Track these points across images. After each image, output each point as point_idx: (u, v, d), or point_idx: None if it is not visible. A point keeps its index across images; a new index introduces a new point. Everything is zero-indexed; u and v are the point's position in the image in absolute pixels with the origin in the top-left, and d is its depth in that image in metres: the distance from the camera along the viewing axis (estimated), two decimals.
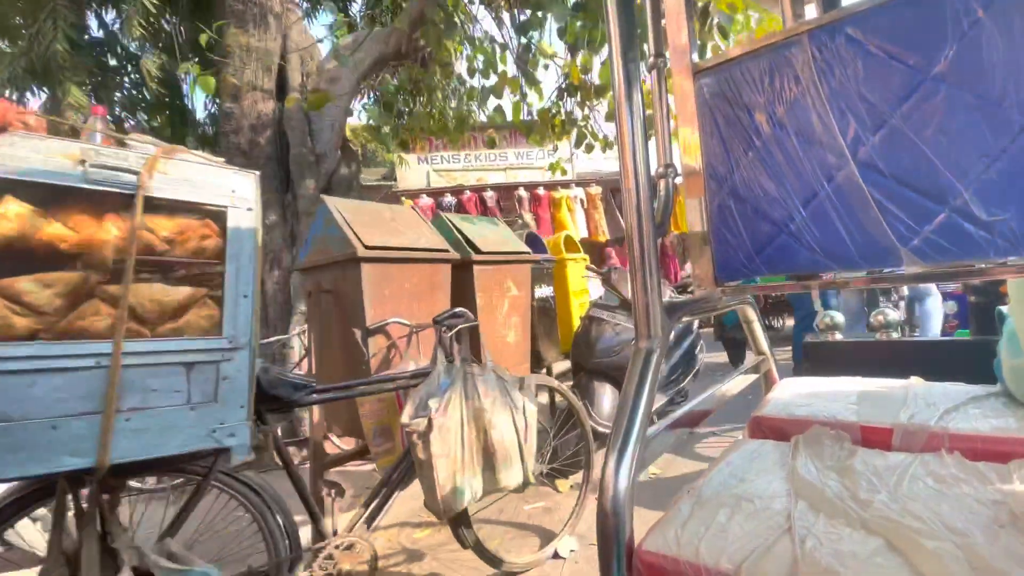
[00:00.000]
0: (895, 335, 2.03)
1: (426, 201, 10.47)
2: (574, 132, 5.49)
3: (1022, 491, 0.70)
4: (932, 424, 0.96)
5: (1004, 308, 1.17)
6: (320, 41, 5.23)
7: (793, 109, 0.82)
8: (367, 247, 2.13)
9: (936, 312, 4.07)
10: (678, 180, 1.00)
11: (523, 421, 1.80)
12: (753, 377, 1.37)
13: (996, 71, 0.65)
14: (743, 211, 0.90)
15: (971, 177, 0.67)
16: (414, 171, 12.34)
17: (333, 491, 1.79)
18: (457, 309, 1.95)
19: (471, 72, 4.95)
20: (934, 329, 3.96)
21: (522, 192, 11.08)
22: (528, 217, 10.63)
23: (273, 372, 1.49)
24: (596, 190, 11.57)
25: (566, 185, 11.35)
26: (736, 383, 1.27)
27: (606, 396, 3.07)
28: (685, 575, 0.65)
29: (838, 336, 2.21)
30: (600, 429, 2.81)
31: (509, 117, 5.14)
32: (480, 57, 4.78)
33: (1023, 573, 0.55)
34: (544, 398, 3.71)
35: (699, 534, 0.70)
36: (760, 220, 0.88)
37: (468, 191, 10.86)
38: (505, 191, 11.25)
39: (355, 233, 2.16)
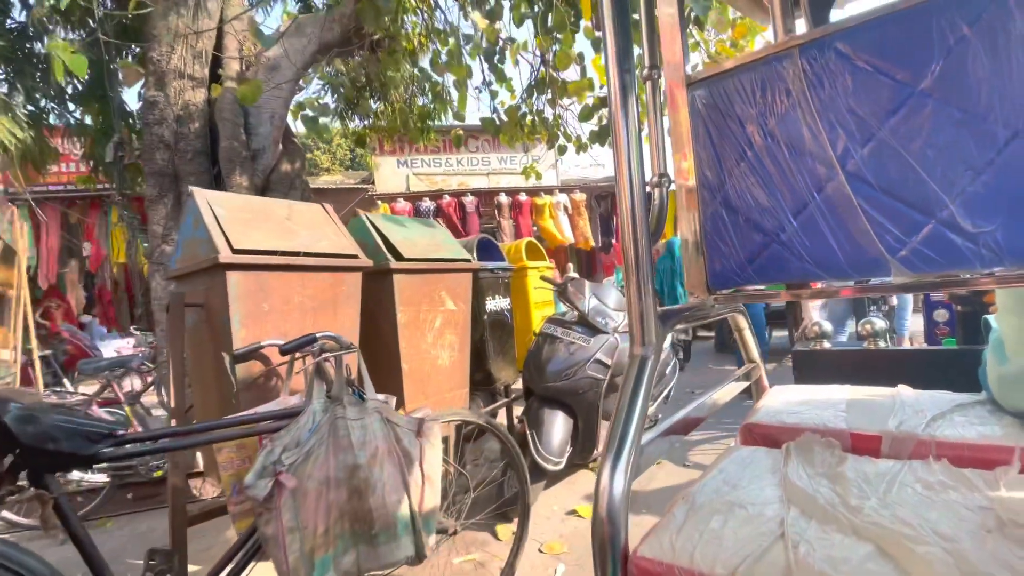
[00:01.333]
0: (883, 344, 2.06)
1: (403, 206, 10.30)
2: (558, 134, 5.22)
3: (1008, 497, 0.71)
4: (920, 431, 0.97)
5: (990, 317, 1.19)
6: (261, 23, 4.87)
7: (784, 121, 0.83)
8: (236, 250, 1.71)
9: (908, 302, 4.76)
10: (672, 189, 1.02)
11: (418, 477, 1.43)
12: (744, 384, 1.38)
13: (981, 86, 0.66)
14: (735, 221, 0.91)
15: (957, 189, 0.69)
16: (393, 175, 12.06)
17: (156, 560, 1.39)
18: (328, 333, 1.60)
19: (434, 65, 4.53)
20: (907, 317, 4.57)
21: (503, 198, 10.85)
22: (507, 224, 10.62)
23: (49, 418, 1.11)
24: (580, 196, 11.38)
25: (549, 191, 11.19)
26: (727, 390, 1.28)
27: (557, 426, 2.64)
28: None
29: (827, 345, 2.23)
30: (547, 466, 2.47)
31: (479, 116, 4.92)
32: (444, 49, 4.43)
33: None
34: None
35: (693, 540, 0.70)
36: (752, 230, 0.89)
37: (447, 196, 10.66)
38: (486, 196, 11.04)
39: (224, 233, 1.75)
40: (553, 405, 2.67)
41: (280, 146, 4.18)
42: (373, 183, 11.81)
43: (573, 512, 2.59)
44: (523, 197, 10.95)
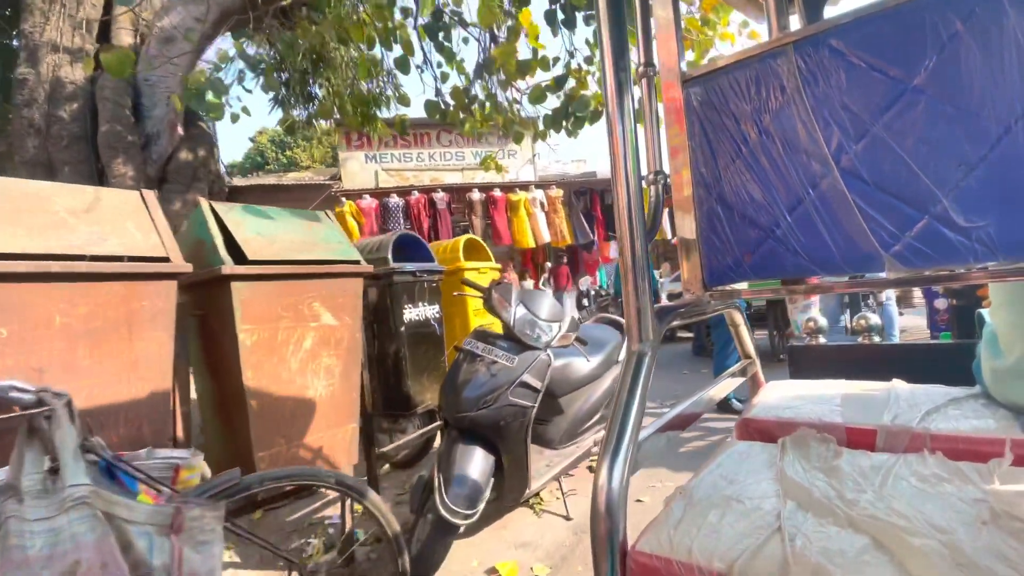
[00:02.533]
0: (877, 339, 2.07)
1: (369, 203, 9.60)
2: (513, 120, 4.63)
3: (1002, 489, 0.72)
4: (914, 425, 0.98)
5: (984, 311, 1.20)
6: None
7: (779, 118, 0.84)
8: None
9: (895, 316, 4.77)
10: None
11: None
12: (740, 380, 1.39)
13: (974, 82, 0.67)
14: (731, 217, 0.91)
15: (950, 185, 0.69)
16: (361, 170, 11.45)
17: None
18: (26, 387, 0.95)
19: (368, 41, 3.91)
20: (895, 331, 4.64)
21: (476, 194, 10.14)
22: (481, 221, 10.02)
23: None
24: (557, 192, 10.73)
25: (525, 187, 10.53)
26: (723, 386, 1.29)
27: (472, 466, 2.06)
28: (678, 575, 0.66)
29: (822, 340, 2.24)
30: (453, 520, 1.89)
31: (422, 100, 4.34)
32: (379, 24, 3.85)
33: (1005, 569, 0.57)
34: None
35: (691, 535, 0.71)
36: (747, 226, 0.89)
37: (416, 192, 9.97)
38: (458, 193, 10.35)
39: None
40: (470, 439, 2.15)
41: (180, 131, 3.61)
42: (340, 180, 11.25)
43: (493, 572, 2.05)
44: (497, 193, 10.21)
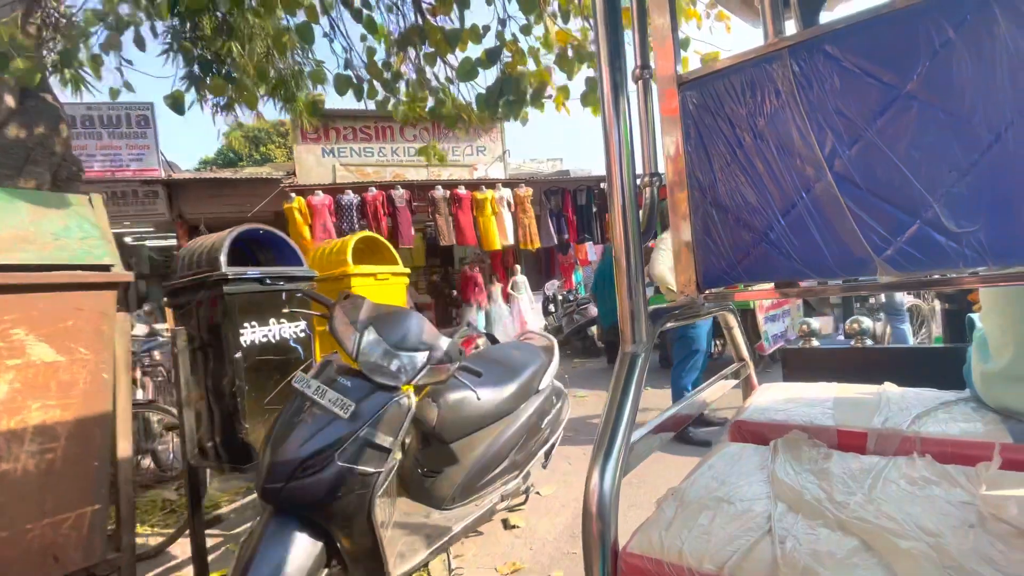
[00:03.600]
0: (869, 342, 2.08)
1: (321, 199, 8.89)
2: (446, 101, 3.94)
3: (989, 492, 0.73)
4: (905, 428, 0.99)
5: (974, 316, 1.21)
6: None
7: (773, 122, 0.84)
8: None
9: (909, 335, 4.55)
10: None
11: None
12: (733, 383, 1.40)
13: (966, 89, 0.68)
14: (725, 220, 0.92)
15: (942, 190, 0.70)
16: (317, 165, 10.89)
17: None
18: None
19: (266, 4, 3.29)
20: (907, 328, 4.51)
21: (439, 191, 9.52)
22: (443, 221, 9.44)
23: None
24: (526, 191, 10.05)
25: (492, 185, 9.90)
26: (716, 389, 1.29)
27: (287, 561, 1.44)
28: None
29: (815, 343, 2.26)
30: None
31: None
32: None
33: (991, 571, 0.57)
34: None
35: (682, 536, 0.71)
36: (741, 229, 0.90)
37: (374, 188, 9.26)
38: (420, 190, 9.69)
39: None
40: (287, 520, 1.52)
41: (10, 103, 2.94)
42: (295, 175, 10.59)
43: None
44: (462, 191, 9.56)
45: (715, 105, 0.91)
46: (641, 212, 0.96)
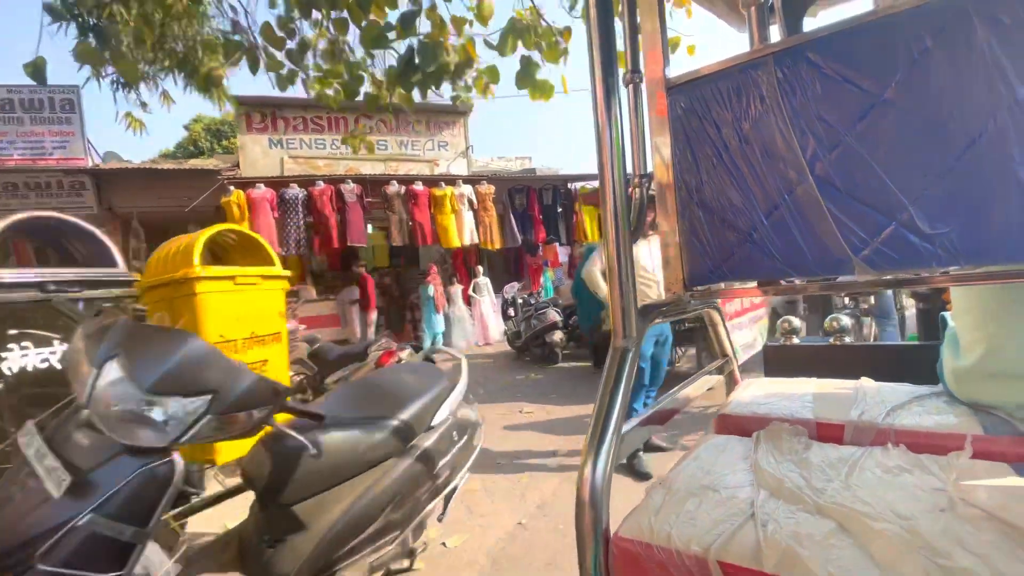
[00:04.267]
0: (848, 339, 2.14)
1: (262, 193, 7.97)
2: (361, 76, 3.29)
3: (960, 480, 0.77)
4: (880, 421, 1.03)
5: (947, 314, 1.26)
6: None
7: (758, 126, 0.88)
8: None
9: (897, 337, 4.56)
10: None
11: None
12: (716, 378, 1.44)
13: (943, 96, 0.71)
14: (710, 220, 0.95)
15: (917, 193, 0.74)
16: (263, 156, 10.04)
17: None
18: None
19: None
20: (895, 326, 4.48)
21: (394, 187, 8.79)
22: (398, 219, 8.75)
23: None
24: (488, 189, 9.40)
25: (452, 181, 9.23)
26: (700, 384, 1.33)
27: None
28: (658, 559, 0.69)
29: (796, 341, 2.31)
30: None
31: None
32: None
33: (960, 551, 0.61)
34: None
35: (670, 521, 0.74)
36: (726, 229, 0.93)
37: (321, 182, 8.45)
38: (373, 185, 8.97)
39: None
40: None
41: None
42: (239, 167, 9.75)
43: None
44: (419, 187, 8.87)
45: (702, 109, 0.94)
46: (631, 212, 0.98)
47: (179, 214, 9.00)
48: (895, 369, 1.38)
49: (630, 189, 0.99)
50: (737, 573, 0.64)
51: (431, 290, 9.21)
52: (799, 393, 1.27)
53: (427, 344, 9.13)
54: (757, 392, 1.33)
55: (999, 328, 1.00)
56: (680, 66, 0.99)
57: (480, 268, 10.20)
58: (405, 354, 4.60)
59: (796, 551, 0.63)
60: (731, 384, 1.44)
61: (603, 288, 3.96)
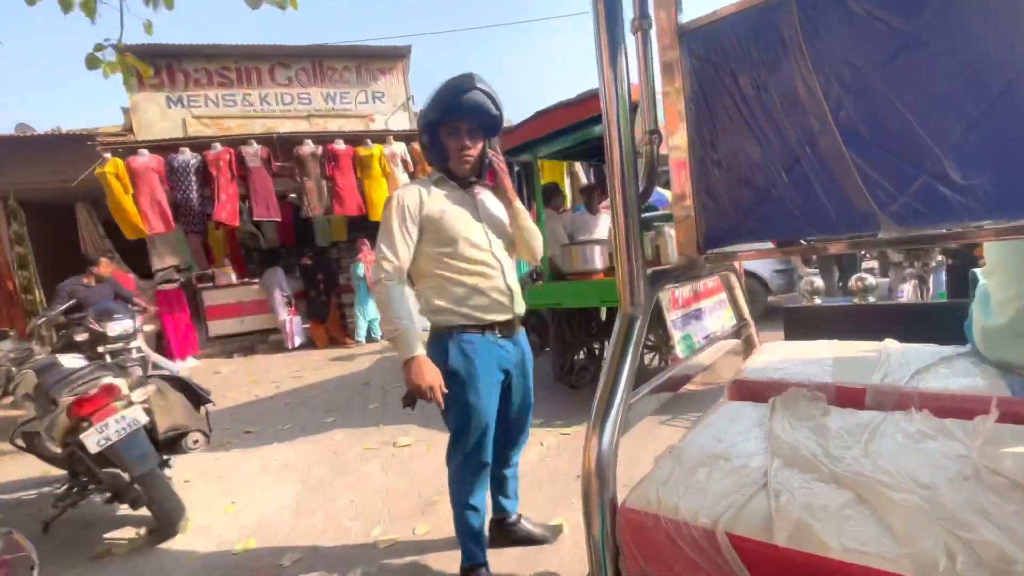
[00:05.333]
0: (871, 299, 2.08)
1: (146, 161, 6.54)
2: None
3: (986, 445, 0.73)
4: (903, 384, 0.99)
5: (978, 271, 1.20)
6: None
7: (778, 71, 0.81)
8: None
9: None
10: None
11: None
12: (734, 341, 1.40)
13: (977, 33, 0.64)
14: (727, 178, 0.90)
15: (950, 141, 0.68)
16: (162, 118, 8.44)
17: None
18: None
19: None
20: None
21: (308, 146, 7.19)
22: (314, 184, 7.25)
23: None
24: None
25: (381, 139, 7.57)
26: (717, 348, 1.30)
27: None
28: (666, 531, 0.67)
29: (817, 301, 2.25)
30: None
31: None
32: None
33: (984, 523, 0.58)
34: None
35: (679, 492, 0.72)
36: (743, 187, 0.88)
37: (219, 144, 6.89)
38: (283, 146, 7.37)
39: None
40: None
41: None
42: (133, 132, 8.20)
43: None
44: (340, 146, 7.27)
45: (717, 56, 0.87)
46: (640, 172, 0.93)
47: (64, 191, 7.64)
48: (922, 329, 1.33)
49: (639, 147, 0.94)
50: (747, 546, 0.62)
51: (361, 269, 7.71)
52: (819, 356, 1.23)
53: (361, 333, 8.03)
54: (775, 356, 1.29)
55: None
56: (692, 10, 0.92)
57: None
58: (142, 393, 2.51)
59: (809, 523, 0.61)
60: (748, 348, 1.41)
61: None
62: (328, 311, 8.30)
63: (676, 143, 0.95)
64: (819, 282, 2.31)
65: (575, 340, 4.25)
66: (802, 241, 0.91)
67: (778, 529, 0.61)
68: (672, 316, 3.44)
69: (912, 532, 0.58)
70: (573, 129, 3.41)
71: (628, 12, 0.87)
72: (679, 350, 3.30)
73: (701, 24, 0.89)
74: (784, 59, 0.80)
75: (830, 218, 0.80)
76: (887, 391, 0.98)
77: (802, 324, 1.67)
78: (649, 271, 0.86)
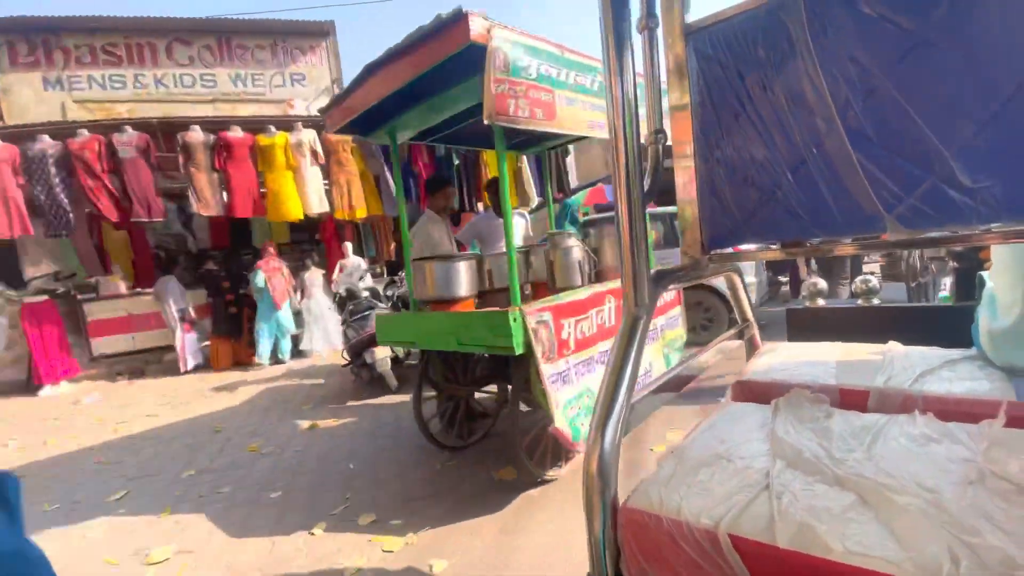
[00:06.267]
0: (876, 301, 2.07)
1: None
2: None
3: (992, 450, 0.73)
4: (907, 387, 0.99)
5: (985, 273, 1.19)
6: None
7: (784, 71, 0.81)
8: None
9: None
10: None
11: None
12: (737, 343, 1.40)
13: (988, 34, 0.64)
14: (732, 178, 0.90)
15: (958, 143, 0.67)
16: (38, 101, 7.32)
17: None
18: None
19: None
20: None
21: (197, 134, 5.94)
22: (205, 178, 6.03)
23: None
24: (345, 136, 5.59)
25: (288, 125, 6.35)
26: (717, 350, 1.29)
27: None
28: (667, 532, 0.67)
29: (821, 303, 2.24)
30: None
31: None
32: None
33: (989, 527, 0.57)
34: None
35: (681, 492, 0.72)
36: (748, 187, 0.88)
37: (86, 131, 5.79)
38: (166, 132, 6.20)
39: None
40: None
41: None
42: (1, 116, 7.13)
43: None
44: (236, 133, 6.06)
45: (723, 56, 0.87)
46: (645, 171, 0.93)
47: None
48: (927, 332, 1.32)
49: (644, 146, 0.93)
50: (749, 548, 0.62)
51: (261, 278, 6.44)
52: (822, 358, 1.22)
53: (263, 353, 6.59)
54: (778, 358, 1.29)
55: None
56: (700, 10, 0.91)
57: (348, 245, 6.89)
58: None
59: (812, 525, 0.61)
60: (751, 349, 1.40)
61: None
62: (240, 326, 6.87)
63: (681, 142, 0.94)
64: (822, 283, 2.30)
65: (462, 381, 3.09)
66: (807, 242, 0.91)
67: (780, 531, 0.61)
68: (554, 367, 2.23)
69: (916, 536, 0.57)
70: (420, 91, 2.43)
71: (635, 11, 0.87)
72: (559, 421, 2.17)
73: (708, 23, 0.89)
74: (791, 59, 0.80)
75: (835, 219, 0.80)
76: (891, 394, 0.98)
77: (805, 326, 1.67)
78: (653, 271, 0.86)
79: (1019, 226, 0.66)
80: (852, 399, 1.00)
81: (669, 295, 2.90)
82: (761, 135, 0.85)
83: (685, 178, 0.95)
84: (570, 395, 2.30)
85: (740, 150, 0.88)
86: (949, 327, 1.32)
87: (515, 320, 2.13)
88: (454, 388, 3.07)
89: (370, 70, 2.39)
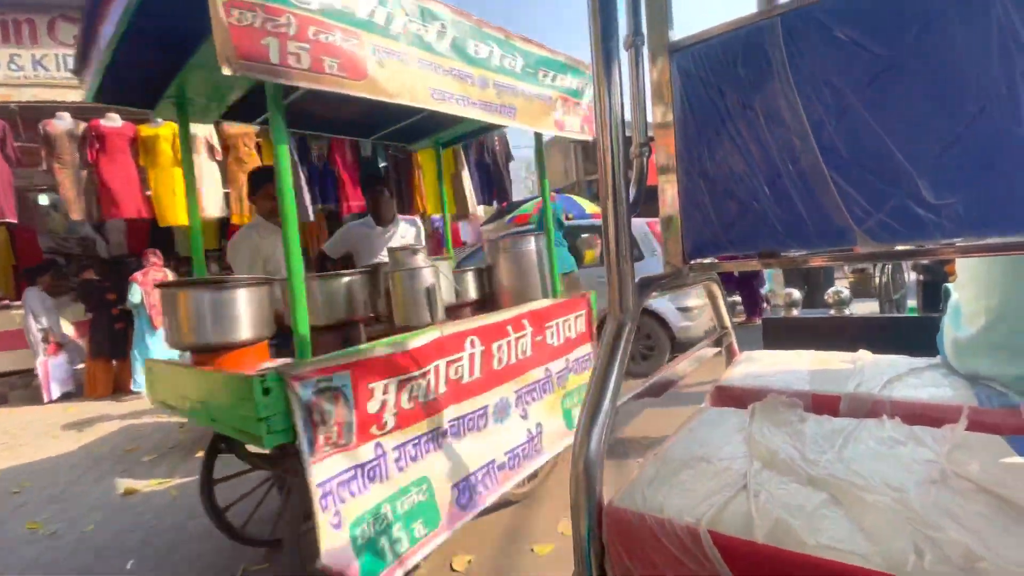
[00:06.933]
0: (847, 312, 2.14)
1: None
2: None
3: (954, 452, 0.77)
4: (876, 392, 1.03)
5: (950, 286, 1.25)
6: None
7: (763, 90, 0.85)
8: None
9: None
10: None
11: None
12: (715, 350, 1.44)
13: (954, 60, 0.68)
14: (712, 190, 0.93)
15: (924, 162, 0.71)
16: None
17: None
18: None
19: None
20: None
21: (62, 122, 5.10)
22: (72, 177, 5.10)
23: None
24: (247, 128, 5.30)
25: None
26: (697, 357, 1.33)
27: None
28: (651, 529, 0.70)
29: (795, 313, 2.31)
30: None
31: None
32: None
33: (951, 523, 0.61)
34: None
35: (664, 492, 0.75)
36: (728, 199, 0.91)
37: None
38: (25, 120, 5.43)
39: None
40: None
41: None
42: None
43: None
44: (114, 122, 5.21)
45: (705, 74, 0.91)
46: (630, 183, 0.96)
47: None
48: (895, 341, 1.38)
49: (630, 158, 0.97)
50: (729, 543, 0.64)
51: (138, 294, 5.52)
52: (796, 365, 1.27)
53: (140, 383, 5.59)
54: (755, 364, 1.33)
55: (1003, 300, 0.99)
56: (683, 29, 0.95)
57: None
58: None
59: (787, 521, 0.64)
60: (729, 356, 1.44)
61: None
62: (125, 346, 5.86)
63: (664, 155, 0.98)
64: (796, 294, 2.37)
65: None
66: (782, 253, 0.95)
67: (758, 527, 0.64)
68: (343, 461, 1.50)
69: (883, 531, 0.61)
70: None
71: (623, 29, 0.90)
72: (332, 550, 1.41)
73: (691, 43, 0.92)
74: (769, 79, 0.84)
75: (809, 232, 0.83)
76: (861, 399, 1.02)
77: (780, 334, 1.72)
78: (637, 279, 0.89)
79: (979, 241, 0.71)
80: (825, 404, 1.05)
81: (578, 327, 2.41)
82: (740, 150, 0.89)
83: (667, 189, 0.99)
84: (379, 498, 1.54)
85: (720, 163, 0.91)
86: (916, 337, 1.37)
87: (265, 391, 1.35)
88: (261, 461, 2.09)
89: None
